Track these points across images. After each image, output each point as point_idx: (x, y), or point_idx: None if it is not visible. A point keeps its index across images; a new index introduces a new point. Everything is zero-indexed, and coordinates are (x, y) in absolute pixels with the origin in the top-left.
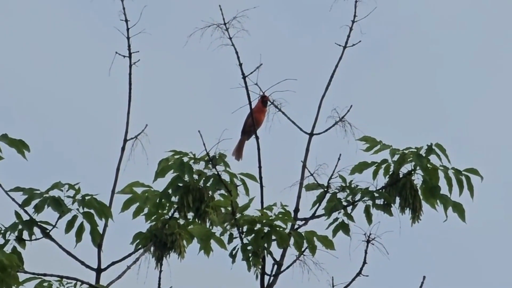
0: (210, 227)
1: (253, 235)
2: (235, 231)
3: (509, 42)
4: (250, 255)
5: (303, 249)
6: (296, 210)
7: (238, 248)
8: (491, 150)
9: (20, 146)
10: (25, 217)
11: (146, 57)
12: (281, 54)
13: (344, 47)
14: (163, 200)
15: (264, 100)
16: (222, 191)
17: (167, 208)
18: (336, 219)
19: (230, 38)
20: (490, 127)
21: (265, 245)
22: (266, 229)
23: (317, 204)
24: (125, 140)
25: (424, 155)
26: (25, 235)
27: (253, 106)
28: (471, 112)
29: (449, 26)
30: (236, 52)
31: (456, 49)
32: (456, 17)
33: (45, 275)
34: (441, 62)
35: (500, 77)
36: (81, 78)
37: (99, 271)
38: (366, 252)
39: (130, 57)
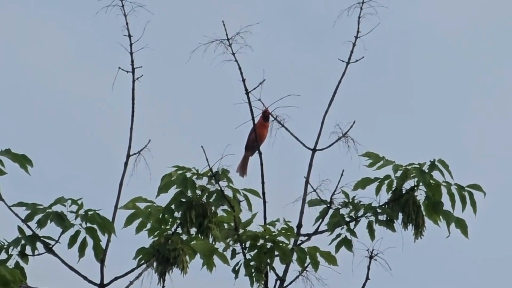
0: (213, 243)
1: (256, 250)
2: (238, 247)
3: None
4: (253, 270)
5: (306, 265)
6: (299, 225)
7: (241, 264)
8: (495, 164)
9: (23, 161)
10: (28, 232)
11: (149, 73)
12: (284, 69)
13: (347, 63)
14: (166, 215)
15: (265, 115)
16: (225, 207)
17: (170, 223)
18: (339, 234)
19: (233, 54)
20: (494, 140)
21: (268, 260)
22: (269, 244)
23: (320, 220)
24: (128, 156)
25: (427, 171)
26: (28, 250)
27: (255, 121)
28: (474, 126)
29: (452, 40)
30: (239, 68)
31: (459, 63)
32: (457, 31)
33: None
34: (445, 76)
35: (504, 89)
36: (84, 93)
37: (102, 286)
38: (369, 268)
39: (133, 72)
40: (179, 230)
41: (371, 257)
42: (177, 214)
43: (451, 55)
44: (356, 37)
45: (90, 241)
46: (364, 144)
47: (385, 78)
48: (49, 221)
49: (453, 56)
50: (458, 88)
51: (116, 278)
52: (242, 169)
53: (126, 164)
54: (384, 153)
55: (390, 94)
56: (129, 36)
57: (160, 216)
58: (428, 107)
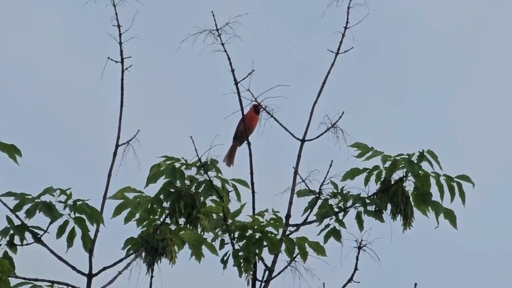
0: (202, 233)
1: (244, 241)
2: (226, 237)
3: (499, 47)
4: (241, 261)
5: (294, 255)
6: (288, 216)
7: (229, 254)
8: (485, 155)
9: (11, 150)
10: (17, 222)
11: (138, 63)
12: (274, 60)
13: (337, 54)
14: (154, 205)
15: (256, 109)
16: (214, 197)
17: (158, 213)
18: (328, 225)
19: (223, 44)
20: (484, 132)
21: (257, 251)
22: (257, 235)
23: (309, 210)
24: (117, 146)
25: (415, 161)
26: (17, 240)
27: (245, 113)
28: (464, 117)
29: (442, 31)
30: (229, 58)
31: (449, 54)
32: (447, 21)
33: (36, 280)
34: (434, 68)
35: (495, 78)
36: (73, 82)
37: (90, 276)
38: (357, 259)
39: (122, 62)
40: (168, 220)
41: (359, 248)
42: (165, 204)
43: (441, 44)
44: (346, 28)
45: (78, 231)
46: (353, 135)
47: (375, 68)
48: (37, 211)
49: (443, 46)
50: (449, 78)
51: (104, 268)
52: (229, 158)
53: (115, 154)
54: (374, 144)
55: (380, 85)
56: (118, 26)
57: (149, 206)
58: (419, 97)
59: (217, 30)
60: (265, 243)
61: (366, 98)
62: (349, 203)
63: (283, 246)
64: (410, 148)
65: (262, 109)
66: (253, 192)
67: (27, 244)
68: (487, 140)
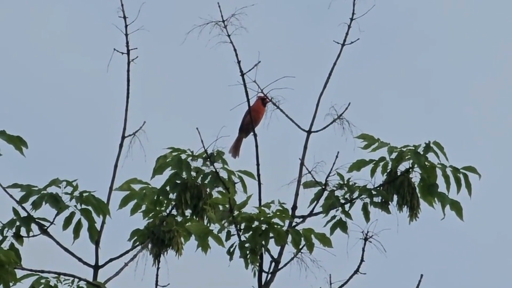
0: (208, 224)
1: (250, 232)
2: (232, 229)
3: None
4: (247, 252)
5: (300, 247)
6: (294, 207)
7: (235, 246)
8: (491, 147)
9: (18, 142)
10: (23, 214)
11: (144, 54)
12: (280, 51)
13: (343, 45)
14: (161, 197)
15: (264, 101)
16: (220, 189)
17: (165, 205)
18: (334, 216)
19: (229, 36)
20: (490, 123)
21: (263, 242)
22: (264, 226)
23: (315, 202)
24: (123, 137)
25: (422, 153)
26: (23, 231)
27: (251, 104)
28: (470, 108)
29: (448, 22)
30: (235, 50)
31: (456, 45)
32: (454, 12)
33: (42, 271)
34: (440, 59)
35: (501, 70)
36: (80, 74)
37: (96, 268)
38: (363, 250)
39: (128, 54)
40: (174, 212)
41: (366, 239)
42: (172, 196)
43: (451, 35)
44: (352, 19)
45: (85, 223)
46: (359, 126)
47: (382, 59)
48: (44, 203)
49: (453, 36)
50: (458, 68)
51: (110, 260)
52: (235, 150)
53: (121, 145)
54: (380, 135)
55: (387, 76)
56: (124, 17)
57: (155, 198)
58: (427, 88)
59: (223, 21)
60: (271, 235)
61: (373, 90)
62: (355, 195)
63: (290, 238)
64: (417, 140)
65: (268, 100)
66: (259, 184)
67: (33, 236)
68: (498, 131)
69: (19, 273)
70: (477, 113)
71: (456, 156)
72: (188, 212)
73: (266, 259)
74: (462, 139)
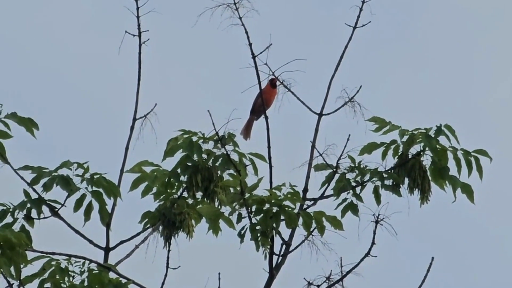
0: (219, 207)
1: (261, 215)
2: (243, 211)
3: None
4: (258, 235)
5: (311, 229)
6: (305, 190)
7: (246, 228)
8: (506, 130)
9: (29, 124)
10: (34, 196)
11: (156, 37)
12: (291, 34)
13: (354, 28)
14: (172, 179)
15: (273, 83)
16: (231, 171)
17: (175, 187)
18: (345, 199)
19: (240, 18)
20: (506, 106)
21: (274, 225)
22: (275, 209)
23: (326, 185)
24: (134, 119)
25: (433, 136)
26: (34, 213)
27: (262, 87)
28: (480, 93)
29: (463, 5)
30: (246, 32)
31: (469, 30)
32: None
33: (53, 253)
34: (452, 42)
35: None
36: (91, 57)
37: (107, 250)
38: (374, 233)
39: (139, 36)
40: (185, 194)
41: (377, 222)
42: (183, 178)
43: (463, 18)
44: (363, 2)
45: (96, 205)
46: (371, 109)
47: (393, 43)
48: (55, 185)
49: (466, 19)
50: (470, 52)
51: (121, 242)
52: (246, 131)
53: (132, 127)
54: (391, 118)
55: (398, 59)
56: (136, 0)
57: (166, 180)
58: (438, 71)
59: (235, 4)
60: (282, 217)
61: (384, 72)
62: (367, 178)
63: (301, 220)
64: (429, 123)
65: (279, 83)
66: (270, 166)
67: (44, 218)
68: (509, 114)
69: (30, 255)
70: (489, 95)
71: (467, 139)
72: (199, 195)
73: (277, 241)
74: (473, 122)
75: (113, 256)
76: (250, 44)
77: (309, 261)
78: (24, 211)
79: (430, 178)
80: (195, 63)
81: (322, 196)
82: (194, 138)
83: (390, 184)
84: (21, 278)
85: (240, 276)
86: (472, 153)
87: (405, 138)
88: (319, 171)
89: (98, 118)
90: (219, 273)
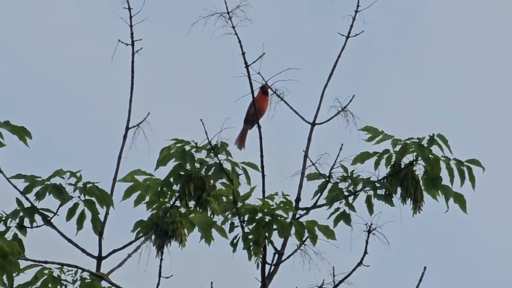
0: (212, 216)
1: (254, 224)
2: (236, 220)
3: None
4: (251, 244)
5: (304, 239)
6: (298, 199)
7: (239, 237)
8: (494, 140)
9: (21, 133)
10: (27, 204)
11: (149, 45)
12: (284, 43)
13: (347, 37)
14: (164, 188)
15: (264, 90)
16: (224, 180)
17: (168, 196)
18: (338, 209)
19: (233, 27)
20: (493, 118)
21: (266, 234)
22: (267, 218)
23: (319, 194)
24: (127, 128)
25: (426, 145)
26: (26, 222)
27: (255, 95)
28: (473, 103)
29: (458, 15)
30: (239, 41)
31: (463, 40)
32: (459, 6)
33: (46, 262)
34: (446, 52)
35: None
36: (84, 65)
37: (100, 259)
38: (367, 242)
39: (132, 45)
40: (178, 203)
41: (369, 232)
42: (175, 187)
43: (457, 26)
44: (356, 11)
45: (88, 214)
46: (364, 119)
47: (387, 52)
48: (47, 194)
49: (459, 28)
50: (464, 61)
51: (114, 251)
52: (240, 142)
53: (125, 136)
54: (384, 128)
55: (392, 69)
56: (129, 8)
57: (159, 189)
58: (430, 81)
59: (228, 13)
60: (275, 226)
61: (377, 82)
62: (359, 187)
63: (293, 230)
64: (422, 132)
65: (272, 92)
66: (263, 175)
67: (37, 227)
68: (504, 123)
69: (22, 263)
70: (482, 105)
71: (460, 149)
72: (191, 204)
73: (270, 251)
74: (466, 132)
75: (105, 265)
76: (243, 54)
77: (302, 271)
78: (17, 220)
79: (422, 187)
80: (188, 73)
81: (315, 206)
82: (187, 147)
83: (383, 193)
84: (14, 286)
85: (232, 285)
86: (464, 163)
87: (397, 147)
88: (312, 181)
89: (91, 127)
90: (211, 282)
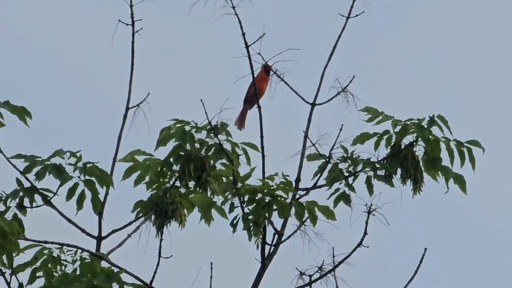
0: (211, 196)
1: (254, 204)
2: (236, 201)
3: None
4: (251, 224)
5: (304, 219)
6: (298, 180)
7: (239, 218)
8: (494, 121)
9: (21, 113)
10: (26, 184)
11: (149, 26)
12: (284, 24)
13: (347, 18)
14: (164, 168)
15: (267, 69)
16: (224, 160)
17: (168, 176)
18: (338, 189)
19: (234, 7)
20: (493, 99)
21: (266, 214)
22: (267, 198)
23: (319, 174)
24: (127, 108)
25: (426, 126)
26: (26, 202)
27: (255, 75)
28: (473, 83)
29: None
30: (239, 22)
31: (464, 20)
32: None
33: (45, 242)
34: (445, 31)
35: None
36: (84, 45)
37: (99, 239)
38: (367, 223)
39: (133, 25)
40: (178, 183)
41: (369, 212)
42: (175, 167)
43: (458, 8)
44: None
45: (88, 194)
46: (364, 99)
47: (387, 33)
48: (47, 173)
49: (460, 9)
50: (465, 42)
51: (114, 231)
52: (240, 122)
53: (125, 116)
54: (385, 108)
55: (392, 49)
56: None
57: (159, 169)
58: (431, 62)
59: None
60: (274, 207)
61: (377, 63)
62: (359, 168)
63: (293, 210)
64: (422, 113)
65: (272, 72)
66: (263, 156)
67: (36, 207)
68: (503, 105)
69: (22, 243)
70: (482, 86)
71: (460, 130)
72: (191, 184)
73: (269, 231)
74: (466, 112)
75: (105, 245)
76: (243, 34)
77: (302, 251)
78: (17, 200)
79: (422, 168)
80: (188, 53)
81: (315, 186)
82: (187, 128)
83: (383, 174)
84: (14, 266)
85: (232, 266)
86: (465, 144)
87: (398, 128)
88: (312, 161)
89: (91, 107)
90: (211, 263)
